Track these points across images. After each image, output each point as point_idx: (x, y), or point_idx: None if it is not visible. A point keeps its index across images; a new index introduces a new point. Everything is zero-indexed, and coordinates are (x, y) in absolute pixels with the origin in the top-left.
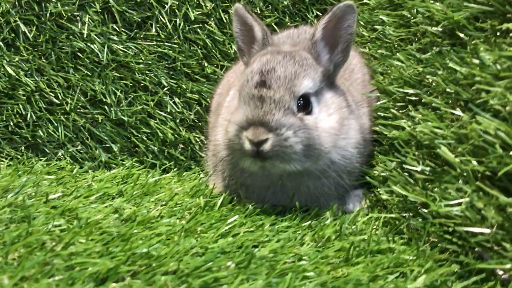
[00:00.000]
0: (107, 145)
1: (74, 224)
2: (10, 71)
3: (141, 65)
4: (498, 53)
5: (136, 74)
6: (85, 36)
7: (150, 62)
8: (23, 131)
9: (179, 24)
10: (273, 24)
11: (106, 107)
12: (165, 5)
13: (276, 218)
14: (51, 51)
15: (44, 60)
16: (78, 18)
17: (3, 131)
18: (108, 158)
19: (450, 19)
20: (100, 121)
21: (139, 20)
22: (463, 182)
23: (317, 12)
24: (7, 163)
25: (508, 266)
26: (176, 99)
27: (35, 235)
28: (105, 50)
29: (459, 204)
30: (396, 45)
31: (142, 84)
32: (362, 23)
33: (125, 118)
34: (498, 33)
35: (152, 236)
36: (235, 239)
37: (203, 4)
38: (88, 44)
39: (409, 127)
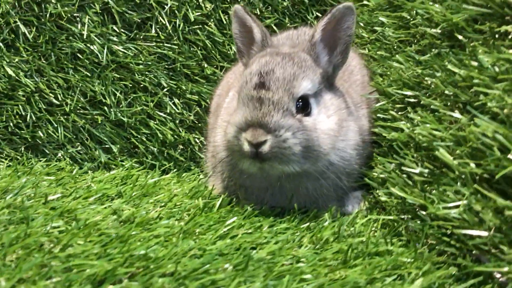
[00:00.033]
0: (106, 146)
1: (72, 226)
2: (10, 72)
3: (140, 66)
4: (497, 56)
5: (136, 75)
6: (85, 37)
7: (149, 63)
8: (23, 131)
9: (179, 25)
10: (272, 25)
11: (105, 108)
12: (165, 6)
13: (274, 219)
14: (51, 52)
15: (44, 61)
16: (78, 19)
17: (3, 132)
18: (108, 159)
19: (449, 21)
20: (99, 122)
21: (139, 21)
22: (461, 184)
23: (317, 13)
24: (7, 163)
25: (505, 269)
26: (176, 100)
27: (33, 237)
28: (105, 51)
29: (457, 206)
30: (395, 47)
31: (141, 85)
32: (361, 24)
33: (125, 119)
34: (496, 36)
35: (150, 238)
36: (233, 241)
37: (202, 5)
38: (88, 45)
39: (408, 129)
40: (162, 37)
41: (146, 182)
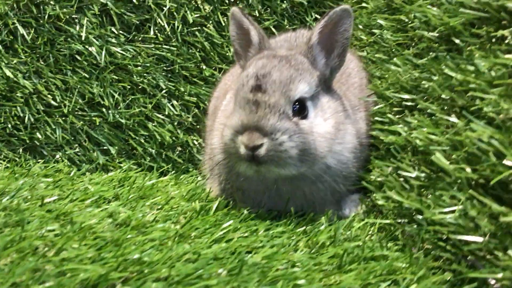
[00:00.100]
0: (104, 147)
1: (67, 229)
2: (8, 73)
3: (139, 68)
4: (493, 60)
5: (134, 76)
6: (83, 38)
7: (148, 64)
8: (21, 133)
9: (178, 27)
10: (271, 27)
11: (104, 109)
12: (164, 8)
13: (271, 223)
14: (49, 53)
15: (42, 63)
16: (76, 20)
17: (1, 133)
18: (106, 161)
19: (446, 25)
20: (98, 123)
21: (138, 22)
22: (457, 189)
23: (316, 15)
24: (5, 165)
25: (500, 275)
26: (174, 102)
27: (28, 240)
28: (103, 52)
29: (453, 211)
30: (393, 50)
31: (140, 87)
32: (360, 26)
33: (123, 121)
34: (493, 40)
35: (146, 242)
36: (229, 244)
37: (201, 7)
38: (86, 46)
39: (405, 133)
40: (161, 39)
41: (144, 184)
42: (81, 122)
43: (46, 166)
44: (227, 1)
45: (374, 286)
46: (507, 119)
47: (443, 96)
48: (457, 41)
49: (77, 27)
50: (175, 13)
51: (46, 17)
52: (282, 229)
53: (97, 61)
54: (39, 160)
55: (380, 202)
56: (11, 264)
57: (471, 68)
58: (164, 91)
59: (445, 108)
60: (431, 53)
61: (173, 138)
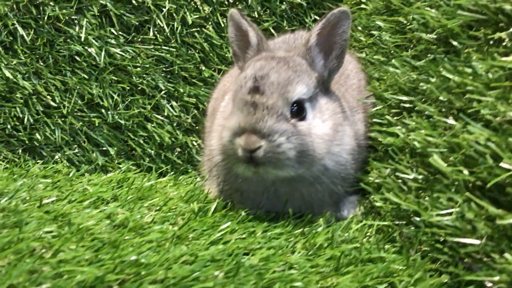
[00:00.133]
0: (104, 148)
1: (65, 230)
2: (8, 74)
3: (138, 69)
4: (490, 63)
5: (134, 77)
6: (82, 39)
7: (147, 65)
8: (20, 134)
9: (177, 28)
10: (271, 28)
11: (103, 110)
12: (163, 9)
13: (269, 224)
14: (49, 54)
15: (41, 63)
16: (75, 21)
17: (0, 134)
18: (105, 162)
19: (444, 27)
20: (97, 124)
21: (137, 23)
22: (454, 191)
23: (315, 17)
24: (4, 166)
25: (496, 278)
26: (174, 103)
27: (25, 242)
28: (103, 53)
29: (450, 214)
30: (392, 51)
31: (139, 88)
32: (359, 28)
33: (122, 122)
34: (490, 42)
35: (143, 243)
36: (226, 246)
37: (200, 8)
38: (86, 47)
39: (403, 134)
40: (160, 40)
41: (142, 185)
42: (80, 123)
43: (45, 167)
44: (226, 2)
45: None
46: (504, 121)
47: (441, 98)
48: (455, 43)
49: (77, 28)
50: (174, 14)
51: (45, 18)
52: (280, 231)
53: (96, 62)
54: (38, 161)
55: (378, 203)
56: (8, 266)
57: (469, 70)
58: (163, 92)
59: (443, 110)
60: (429, 55)
61: (172, 139)
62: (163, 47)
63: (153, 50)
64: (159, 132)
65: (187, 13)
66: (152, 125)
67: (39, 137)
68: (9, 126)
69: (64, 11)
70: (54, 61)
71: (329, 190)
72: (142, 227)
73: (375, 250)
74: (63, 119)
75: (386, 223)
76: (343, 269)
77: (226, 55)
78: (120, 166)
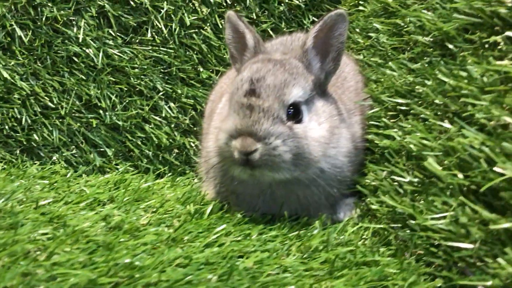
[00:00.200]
0: (101, 149)
1: (60, 232)
2: (6, 75)
3: (136, 70)
4: (485, 66)
5: (131, 78)
6: (80, 40)
7: (145, 66)
8: (18, 135)
9: (175, 29)
10: (269, 29)
11: (101, 111)
12: (161, 10)
13: (264, 227)
14: (47, 55)
15: (39, 64)
16: (73, 22)
17: None
18: (103, 163)
19: (440, 30)
20: (94, 125)
21: (135, 24)
22: (449, 195)
23: (313, 18)
24: (2, 166)
25: (489, 283)
26: (171, 104)
27: (20, 244)
28: (101, 54)
29: (444, 217)
30: (389, 54)
31: (137, 89)
32: (357, 30)
33: (120, 123)
34: (486, 46)
35: (138, 246)
36: (221, 249)
37: (199, 9)
38: (84, 48)
39: (400, 137)
40: (158, 41)
41: (139, 187)
42: (78, 124)
43: (43, 167)
44: (224, 4)
45: None
46: (498, 126)
47: (436, 101)
48: (450, 46)
49: (75, 29)
50: (172, 16)
51: (43, 19)
52: (275, 233)
53: (94, 63)
54: (36, 162)
55: (374, 206)
56: (2, 268)
57: (464, 74)
58: (161, 93)
59: (438, 113)
60: (425, 58)
61: (170, 140)
62: (161, 48)
63: (151, 51)
64: (157, 133)
65: (185, 14)
66: (150, 126)
67: (37, 138)
68: (6, 127)
69: (62, 12)
70: (52, 62)
71: (325, 192)
72: (137, 229)
73: (370, 253)
74: (61, 120)
75: (382, 226)
76: (337, 272)
77: (224, 56)
78: (118, 167)
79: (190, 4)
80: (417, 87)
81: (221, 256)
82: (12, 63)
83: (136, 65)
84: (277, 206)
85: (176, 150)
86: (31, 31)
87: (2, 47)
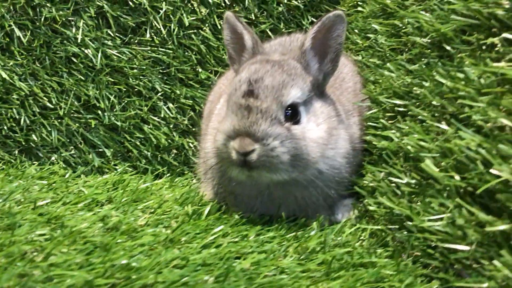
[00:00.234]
0: (100, 150)
1: (57, 233)
2: (4, 75)
3: (135, 70)
4: (482, 68)
5: (130, 79)
6: (79, 41)
7: (144, 67)
8: (16, 135)
9: (174, 30)
10: (268, 30)
11: (99, 112)
12: (160, 11)
13: (262, 228)
14: (45, 55)
15: (38, 65)
16: (72, 23)
17: None
18: (101, 163)
19: (438, 31)
20: (93, 125)
21: (134, 25)
22: (446, 197)
23: (312, 19)
24: (0, 167)
25: (485, 285)
26: (170, 105)
27: (17, 245)
28: (99, 55)
29: (441, 219)
30: (387, 55)
31: (136, 89)
32: (356, 31)
33: (119, 123)
34: (483, 47)
35: (135, 247)
36: (218, 250)
37: (197, 10)
38: (82, 49)
39: (397, 138)
40: (157, 42)
41: (137, 188)
42: (77, 124)
43: (41, 168)
44: (223, 4)
45: None
46: (494, 127)
47: (434, 102)
48: (448, 47)
49: (73, 30)
50: (171, 16)
51: (42, 19)
52: (273, 234)
53: (93, 64)
54: (34, 162)
55: (372, 207)
56: None
57: (461, 75)
58: (160, 93)
59: (436, 115)
60: (423, 59)
61: (169, 140)
62: (160, 49)
63: (149, 51)
64: (155, 134)
65: (184, 15)
66: (149, 126)
67: (35, 138)
68: (5, 127)
69: (61, 12)
70: (51, 63)
71: (323, 193)
72: (135, 230)
73: (367, 254)
74: (59, 120)
75: (379, 227)
76: (334, 274)
77: (223, 57)
78: (117, 167)
79: (189, 4)
80: (414, 88)
81: (218, 257)
82: (11, 63)
83: (135, 66)
84: (275, 207)
85: (174, 151)
86: (29, 32)
87: (1, 48)
